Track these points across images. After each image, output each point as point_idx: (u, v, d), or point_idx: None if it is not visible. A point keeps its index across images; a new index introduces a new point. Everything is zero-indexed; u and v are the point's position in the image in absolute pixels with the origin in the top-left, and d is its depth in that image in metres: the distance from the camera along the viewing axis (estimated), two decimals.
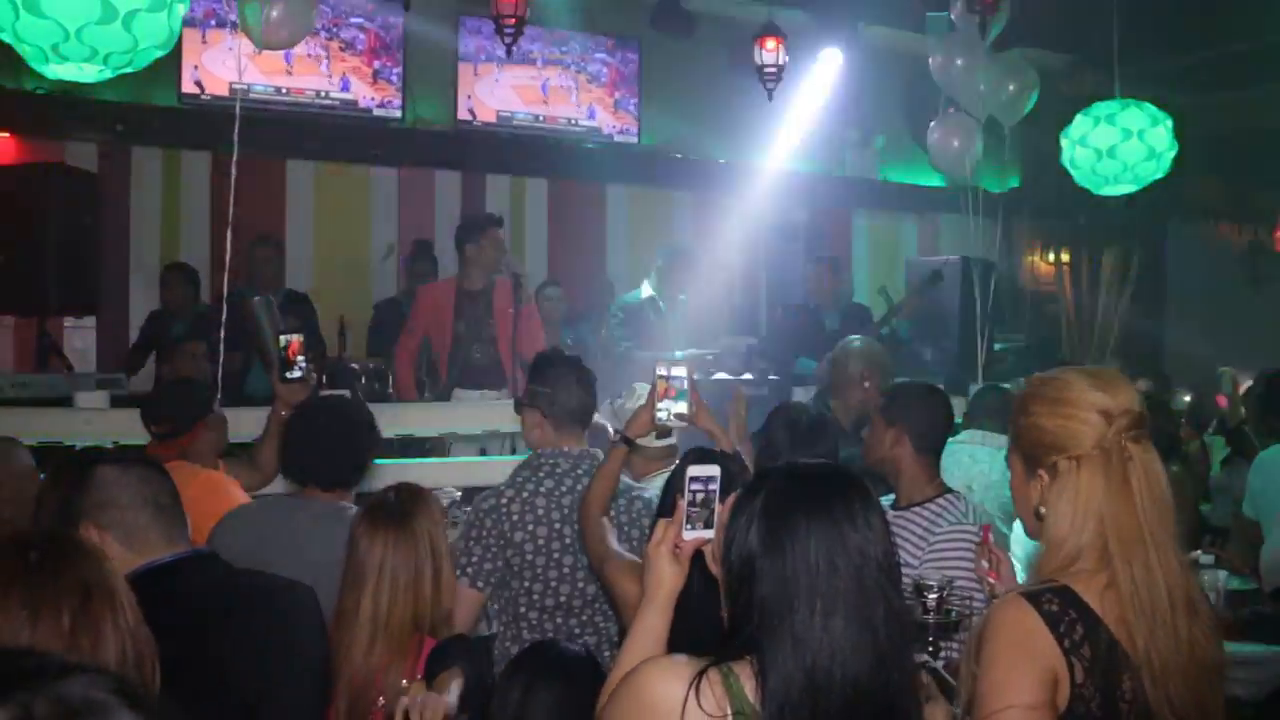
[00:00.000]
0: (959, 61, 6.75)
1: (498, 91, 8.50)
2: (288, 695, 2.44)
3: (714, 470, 2.08)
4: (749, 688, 1.74)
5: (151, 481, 2.48)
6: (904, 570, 3.00)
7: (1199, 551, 4.35)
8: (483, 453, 5.72)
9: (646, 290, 6.91)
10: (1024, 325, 9.89)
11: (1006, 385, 5.14)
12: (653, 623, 2.03)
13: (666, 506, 2.59)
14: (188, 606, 2.35)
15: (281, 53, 7.60)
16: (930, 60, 6.95)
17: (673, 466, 3.33)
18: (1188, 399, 7.09)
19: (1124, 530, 1.83)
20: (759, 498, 1.82)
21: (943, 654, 2.62)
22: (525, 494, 3.42)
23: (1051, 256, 11.23)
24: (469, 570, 3.34)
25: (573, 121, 8.76)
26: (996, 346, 8.12)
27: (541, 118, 8.64)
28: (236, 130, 4.92)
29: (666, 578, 2.05)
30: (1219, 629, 1.92)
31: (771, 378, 6.42)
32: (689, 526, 2.04)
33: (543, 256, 8.71)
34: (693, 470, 2.08)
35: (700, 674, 1.75)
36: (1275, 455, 4.66)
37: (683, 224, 9.34)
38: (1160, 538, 1.84)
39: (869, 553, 1.78)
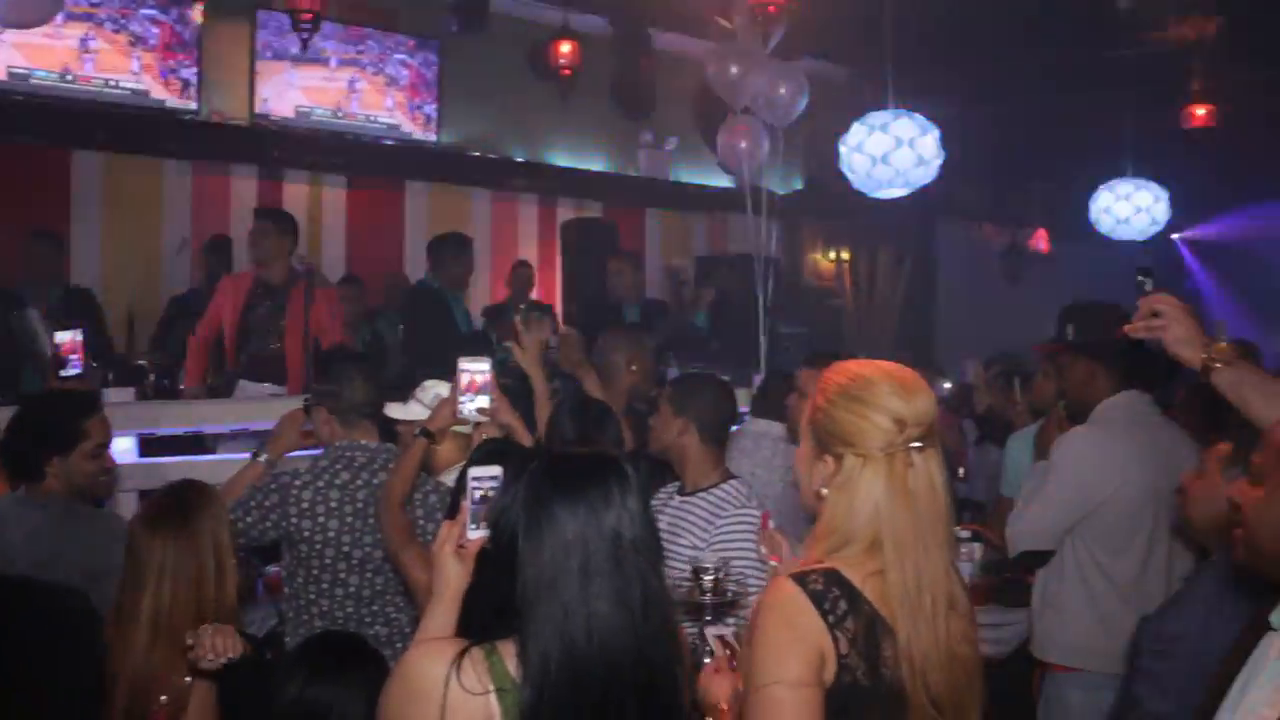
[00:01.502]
0: (734, 68, 7.06)
1: (296, 87, 8.36)
2: (64, 696, 2.39)
3: (495, 470, 2.11)
4: (511, 665, 1.79)
5: None
6: (690, 553, 3.24)
7: (957, 527, 4.69)
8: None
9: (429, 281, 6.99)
10: (807, 318, 10.31)
11: (790, 375, 5.40)
12: (439, 621, 2.06)
13: (454, 508, 2.56)
14: None
15: (72, 40, 7.39)
16: (707, 66, 7.24)
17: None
18: (947, 385, 7.56)
19: (898, 532, 1.88)
20: (521, 484, 1.88)
21: (729, 629, 2.67)
22: (320, 484, 3.42)
23: (832, 254, 11.65)
24: (238, 525, 3.28)
25: (371, 119, 8.68)
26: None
27: (340, 114, 8.54)
28: None
29: (452, 577, 2.07)
30: (975, 625, 2.01)
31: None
32: (473, 526, 2.07)
33: (341, 253, 8.63)
34: (474, 470, 2.11)
35: (462, 653, 1.79)
36: (1020, 439, 5.05)
37: (481, 221, 9.39)
38: (930, 542, 1.90)
39: (624, 534, 1.84)
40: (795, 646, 1.83)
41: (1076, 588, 3.57)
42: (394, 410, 3.82)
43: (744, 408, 5.24)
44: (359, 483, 3.45)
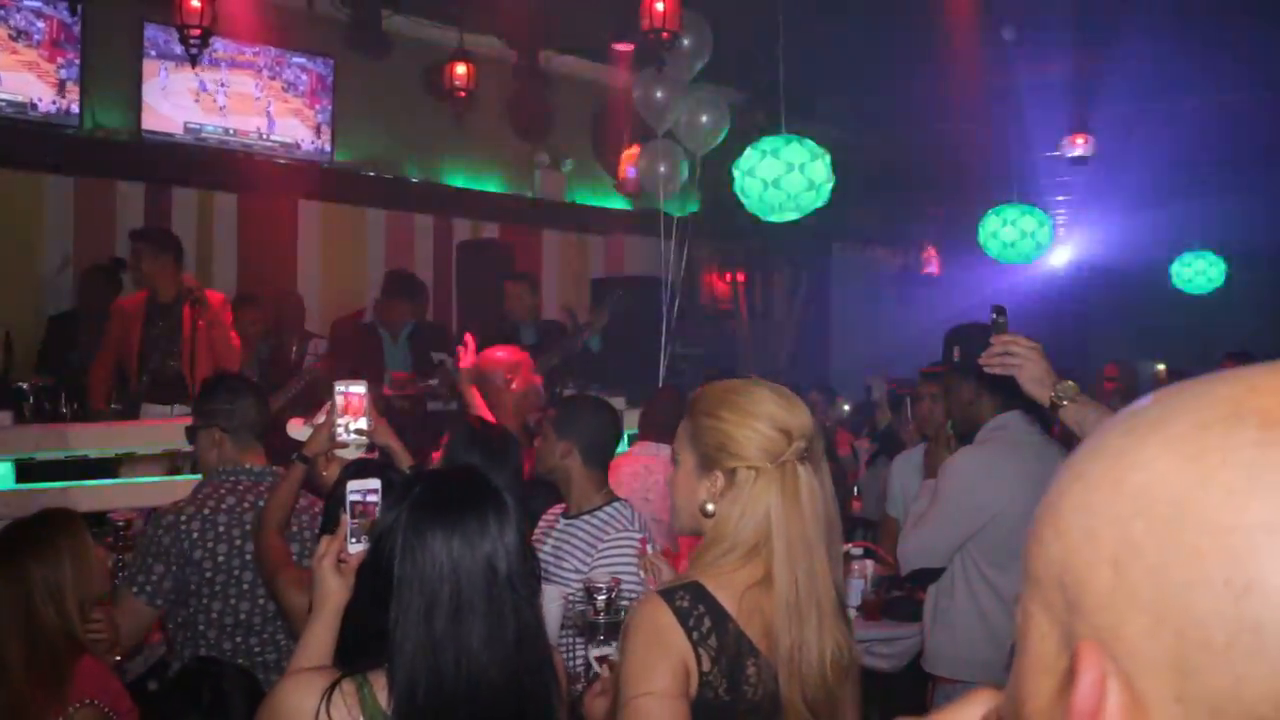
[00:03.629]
0: (659, 93, 7.12)
1: (185, 102, 8.15)
2: None
3: (374, 483, 2.13)
4: (382, 696, 1.79)
5: None
6: (574, 575, 3.25)
7: (849, 545, 4.77)
8: (175, 471, 5.57)
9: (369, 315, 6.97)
10: (703, 340, 10.39)
11: (678, 389, 5.45)
12: (317, 637, 2.07)
13: (331, 522, 2.58)
14: None
15: None
16: (634, 90, 7.28)
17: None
18: (847, 408, 7.71)
19: (790, 541, 1.94)
20: (398, 510, 1.87)
21: (614, 649, 2.73)
22: (206, 511, 3.38)
23: (728, 276, 11.76)
24: (147, 588, 3.27)
25: (264, 136, 8.50)
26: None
27: (231, 131, 8.34)
28: None
29: (331, 591, 2.09)
30: (852, 634, 2.08)
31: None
32: (352, 540, 2.09)
33: (232, 273, 8.44)
34: (352, 484, 2.13)
35: (334, 685, 1.79)
36: (906, 460, 5.15)
37: (376, 241, 9.30)
38: (817, 550, 1.97)
39: (499, 564, 1.84)
40: (662, 660, 1.88)
41: (965, 603, 3.66)
42: (295, 431, 3.78)
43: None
44: (245, 505, 3.42)
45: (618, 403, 7.25)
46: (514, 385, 4.61)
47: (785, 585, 1.94)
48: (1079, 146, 8.85)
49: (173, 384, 5.79)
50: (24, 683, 2.57)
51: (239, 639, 3.37)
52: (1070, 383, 2.62)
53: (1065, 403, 2.58)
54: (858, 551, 4.85)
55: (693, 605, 1.92)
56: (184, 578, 3.32)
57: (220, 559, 3.35)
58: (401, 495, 1.89)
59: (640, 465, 4.60)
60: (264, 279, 8.39)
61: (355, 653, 1.89)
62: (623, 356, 7.70)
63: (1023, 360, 2.65)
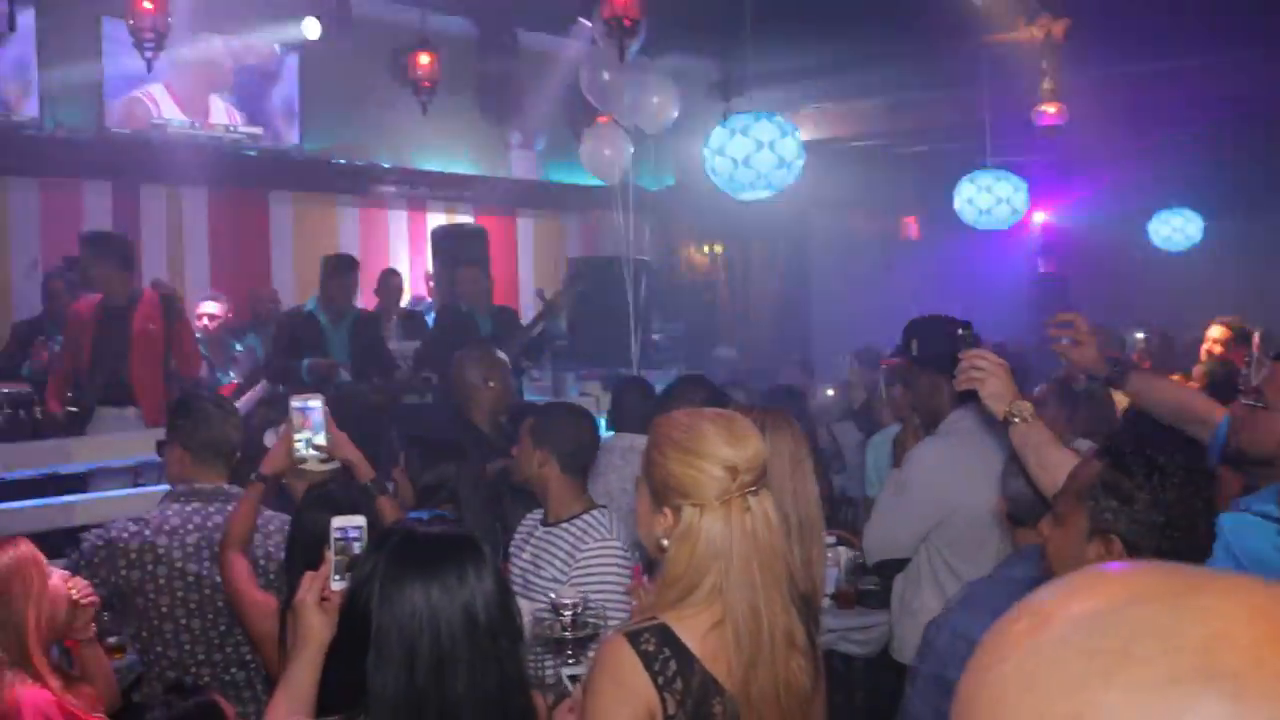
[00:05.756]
0: (605, 75, 7.07)
1: (148, 97, 8.07)
2: None
3: (359, 520, 2.13)
4: None
5: None
6: (553, 584, 3.27)
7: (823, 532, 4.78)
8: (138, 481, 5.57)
9: (310, 305, 6.86)
10: (684, 314, 10.37)
11: (646, 380, 5.46)
12: (300, 676, 2.05)
13: (293, 561, 2.57)
14: None
15: None
16: (579, 72, 7.24)
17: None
18: (830, 393, 7.62)
19: (737, 575, 1.93)
20: (375, 560, 1.87)
21: (584, 663, 2.79)
22: (147, 532, 3.36)
23: (706, 248, 11.72)
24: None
25: (230, 128, 8.45)
26: (656, 336, 8.57)
27: (197, 124, 8.28)
28: None
29: (314, 630, 2.06)
30: (814, 660, 2.09)
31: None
32: (336, 577, 2.07)
33: (204, 268, 8.41)
34: (337, 520, 2.13)
35: None
36: (881, 440, 5.17)
37: (348, 230, 9.25)
38: (768, 581, 1.96)
39: (478, 614, 1.83)
40: (623, 706, 1.89)
41: (931, 592, 3.68)
42: (269, 439, 3.78)
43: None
44: (190, 526, 3.40)
45: (594, 387, 7.26)
46: (491, 384, 4.65)
47: (732, 621, 1.95)
48: (1051, 116, 8.79)
49: (124, 387, 5.79)
50: None
51: (201, 655, 3.37)
52: (1026, 403, 2.68)
53: (1016, 421, 2.65)
54: (830, 539, 4.85)
55: (659, 649, 1.92)
56: (117, 592, 3.34)
57: (161, 581, 3.33)
58: (378, 544, 1.90)
59: (617, 456, 4.58)
60: (237, 273, 8.36)
61: (335, 699, 1.89)
62: (597, 338, 7.70)
63: (987, 375, 2.73)
